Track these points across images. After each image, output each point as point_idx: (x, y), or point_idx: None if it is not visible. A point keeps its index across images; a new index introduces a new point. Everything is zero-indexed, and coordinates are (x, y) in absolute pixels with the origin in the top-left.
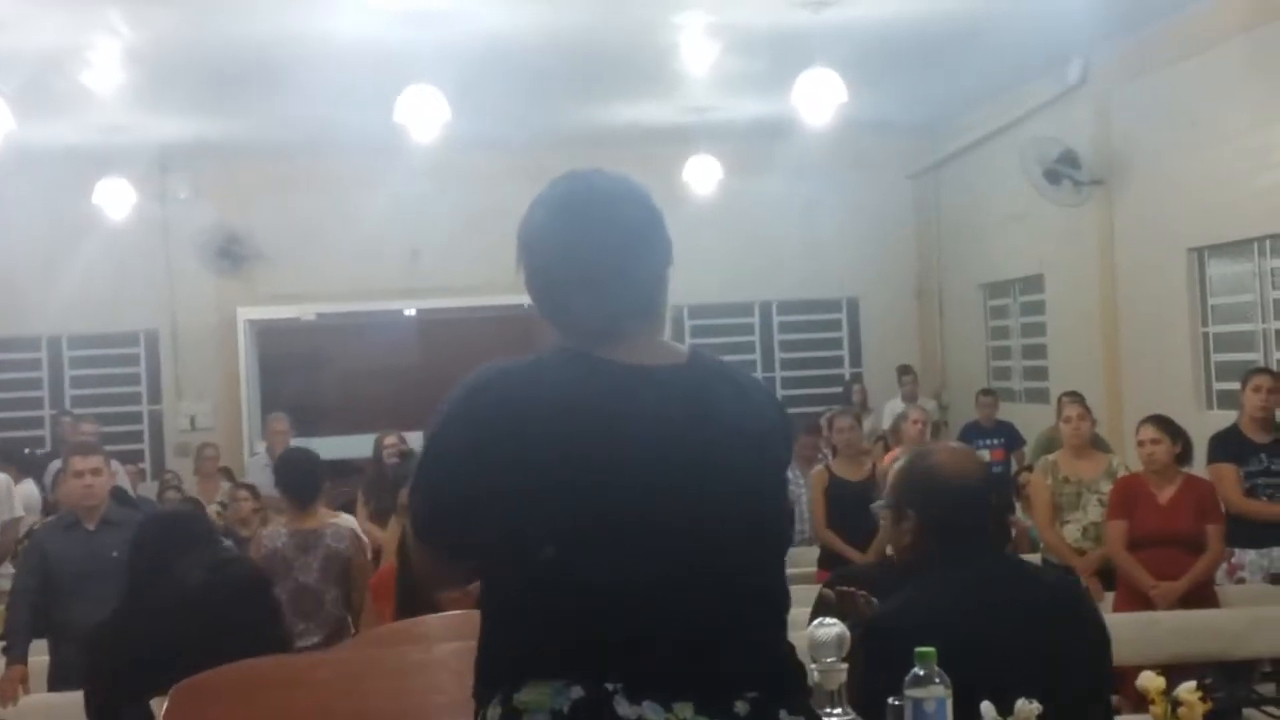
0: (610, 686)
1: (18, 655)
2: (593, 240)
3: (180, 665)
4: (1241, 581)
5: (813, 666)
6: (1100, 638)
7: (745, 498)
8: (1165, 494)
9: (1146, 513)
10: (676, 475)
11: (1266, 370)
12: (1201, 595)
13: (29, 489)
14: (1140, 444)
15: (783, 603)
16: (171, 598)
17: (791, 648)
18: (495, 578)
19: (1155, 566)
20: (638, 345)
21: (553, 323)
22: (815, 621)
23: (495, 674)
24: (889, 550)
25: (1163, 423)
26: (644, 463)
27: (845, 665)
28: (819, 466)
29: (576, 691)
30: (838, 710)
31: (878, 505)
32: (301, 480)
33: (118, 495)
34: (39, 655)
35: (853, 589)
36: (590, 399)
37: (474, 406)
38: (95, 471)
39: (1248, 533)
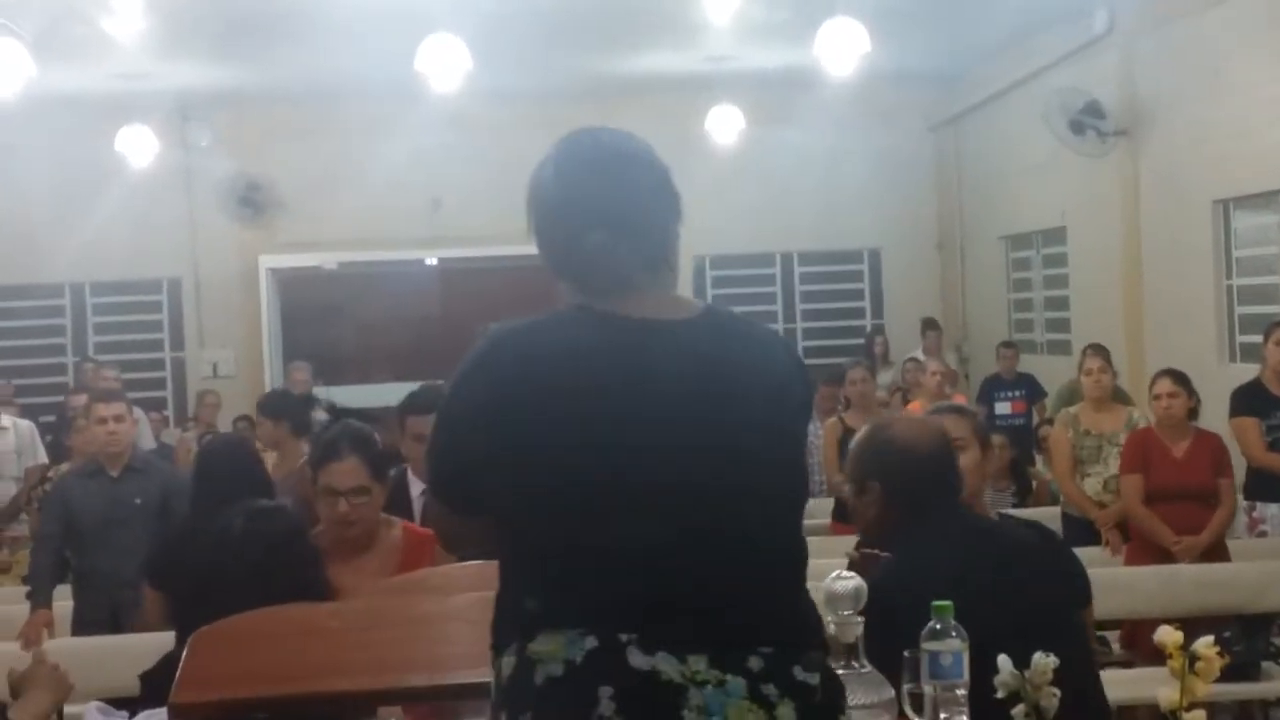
0: (624, 637)
1: (42, 601)
2: (598, 194)
3: (219, 610)
4: (1263, 535)
5: (829, 620)
6: (1076, 577)
7: (760, 452)
8: (1180, 448)
9: (1162, 467)
10: (689, 430)
11: None
12: (1216, 549)
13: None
14: (1157, 397)
15: (799, 559)
16: (212, 545)
17: (810, 604)
18: (512, 531)
19: (1171, 520)
20: (648, 299)
21: (563, 278)
22: (832, 574)
23: (511, 624)
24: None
25: (1178, 376)
26: (657, 417)
27: (861, 618)
28: (832, 419)
29: (590, 642)
30: (855, 664)
31: (840, 481)
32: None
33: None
34: (62, 600)
35: (875, 551)
36: (601, 355)
37: (487, 365)
38: (118, 418)
39: (1270, 486)
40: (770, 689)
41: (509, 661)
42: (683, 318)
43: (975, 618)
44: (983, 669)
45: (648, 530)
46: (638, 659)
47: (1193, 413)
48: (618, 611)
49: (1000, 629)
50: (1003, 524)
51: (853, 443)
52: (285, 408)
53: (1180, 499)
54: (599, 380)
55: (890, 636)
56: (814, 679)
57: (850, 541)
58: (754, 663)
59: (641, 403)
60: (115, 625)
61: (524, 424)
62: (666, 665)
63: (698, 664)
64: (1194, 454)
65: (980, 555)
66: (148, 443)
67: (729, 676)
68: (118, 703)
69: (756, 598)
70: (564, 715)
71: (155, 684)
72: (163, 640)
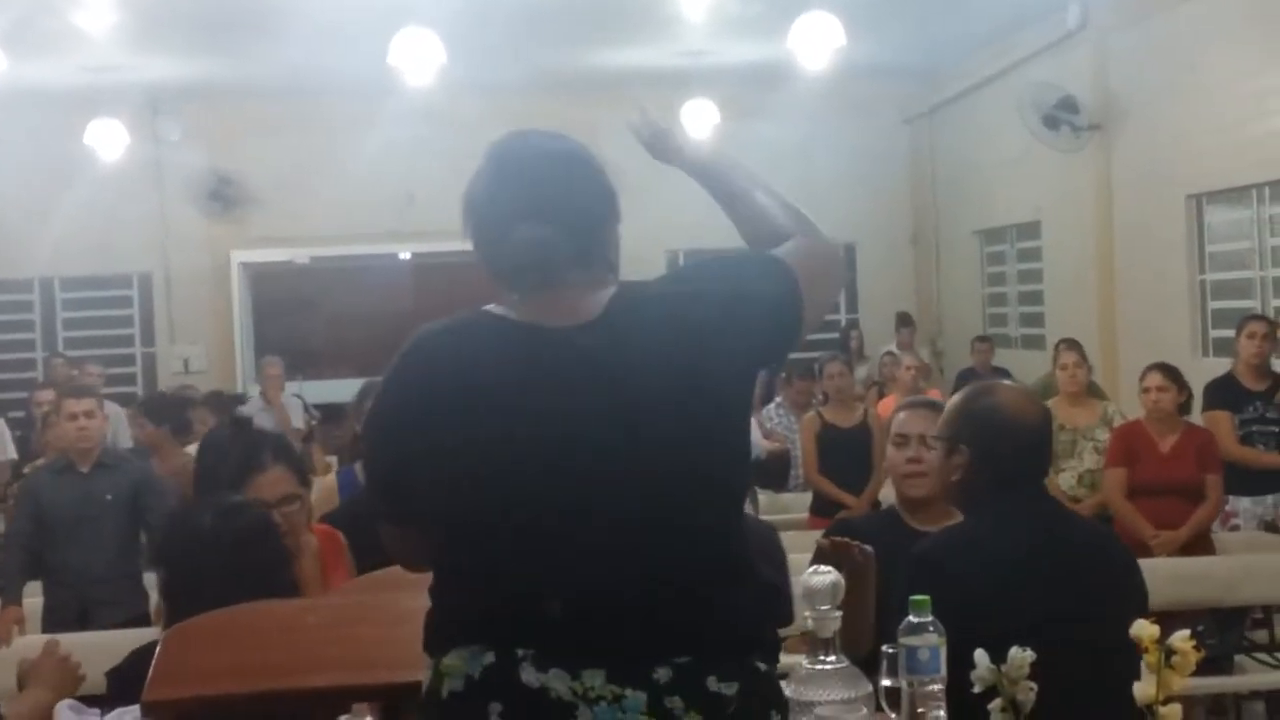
0: (520, 653)
1: (12, 597)
2: (527, 189)
3: (187, 608)
4: (1236, 529)
5: (806, 614)
6: (1137, 585)
7: (668, 452)
8: (1167, 442)
9: (1148, 461)
10: (583, 443)
11: (1262, 317)
12: (1200, 544)
13: None
14: (1146, 390)
15: (726, 559)
16: (180, 541)
17: (748, 604)
18: (432, 543)
19: (1154, 515)
20: (564, 300)
21: (494, 280)
22: (810, 569)
23: (429, 639)
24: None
25: (1169, 370)
26: (548, 431)
27: (839, 613)
28: (811, 413)
29: (489, 657)
30: (831, 658)
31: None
32: None
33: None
34: (33, 597)
35: (847, 539)
36: (495, 365)
37: (401, 368)
38: (89, 414)
39: (1241, 480)
40: (675, 702)
41: (427, 675)
42: (584, 321)
43: (1034, 602)
44: (1038, 657)
45: (539, 544)
46: (529, 675)
47: (1184, 407)
48: (514, 627)
49: (1056, 618)
50: (1082, 518)
51: (950, 401)
52: (166, 410)
53: (1165, 493)
54: (489, 392)
55: (941, 604)
56: (730, 689)
57: None
58: (661, 674)
59: (530, 414)
60: (85, 622)
61: (426, 433)
62: (558, 682)
63: (593, 679)
64: (1181, 449)
65: (1049, 538)
66: (125, 440)
67: (627, 691)
68: (89, 700)
69: (667, 606)
70: None
71: (122, 681)
72: (133, 637)
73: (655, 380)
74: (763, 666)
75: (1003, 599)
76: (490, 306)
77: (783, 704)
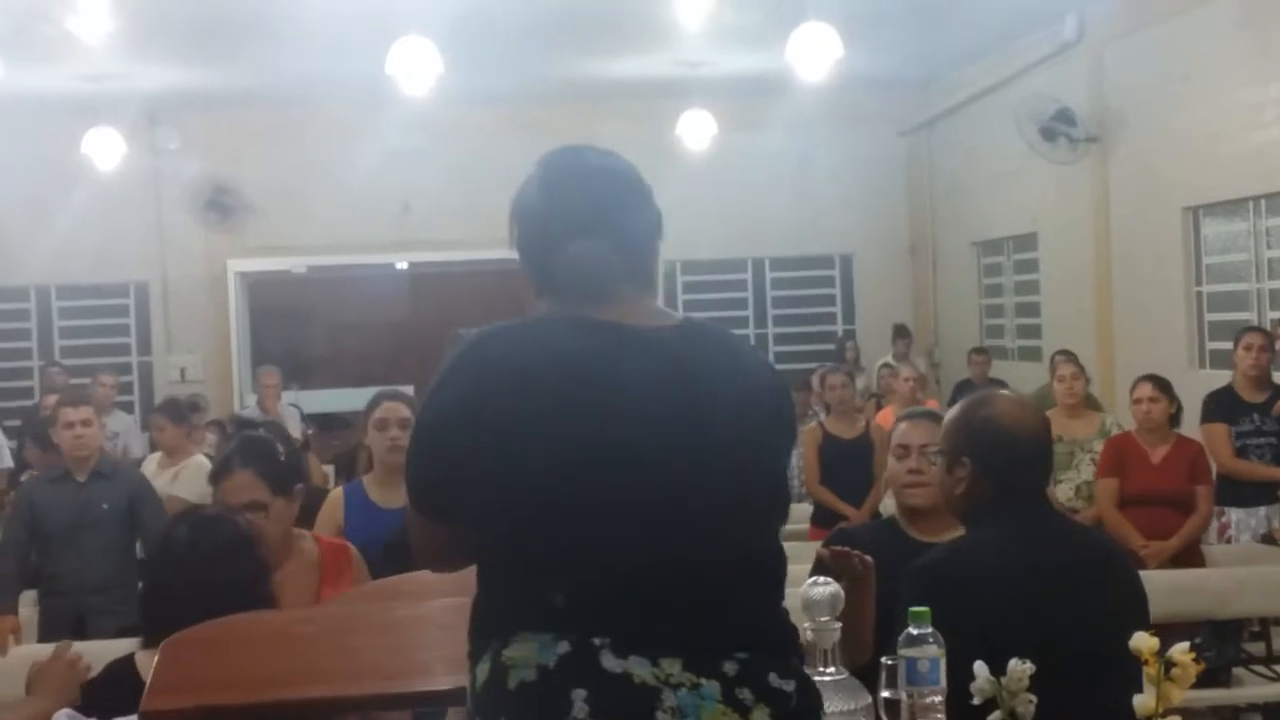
0: (598, 641)
1: (8, 606)
2: (584, 204)
3: (166, 622)
4: (1231, 540)
5: (806, 625)
6: (1140, 596)
7: (736, 460)
8: (1158, 453)
9: (1139, 472)
10: (668, 437)
11: (1258, 329)
12: (1189, 555)
13: None
14: (1137, 401)
15: (775, 568)
16: (156, 555)
17: (785, 612)
18: (489, 535)
19: (1145, 526)
20: (628, 309)
21: (544, 290)
22: (809, 580)
23: (487, 630)
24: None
25: (1160, 382)
26: (634, 421)
27: (839, 625)
28: (812, 423)
29: (563, 646)
30: (830, 669)
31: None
32: None
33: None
34: (28, 606)
35: (847, 549)
36: (580, 358)
37: (467, 367)
38: (86, 422)
39: (1237, 492)
40: (745, 694)
41: (484, 668)
42: (661, 325)
43: (1039, 615)
44: (1039, 669)
45: (621, 535)
46: (610, 661)
47: (1174, 419)
48: (591, 616)
49: (1060, 629)
50: (1085, 526)
51: (949, 413)
52: (184, 413)
53: (1155, 504)
54: (577, 383)
55: (947, 617)
56: (789, 686)
57: None
58: (729, 667)
59: (619, 407)
60: (81, 631)
61: (502, 426)
62: (640, 668)
63: (671, 667)
64: (1172, 460)
65: (1054, 549)
66: (136, 450)
67: (704, 680)
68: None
69: (732, 603)
70: (537, 718)
71: (97, 693)
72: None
73: (728, 394)
74: (806, 671)
75: (1008, 612)
76: (558, 310)
77: (821, 707)
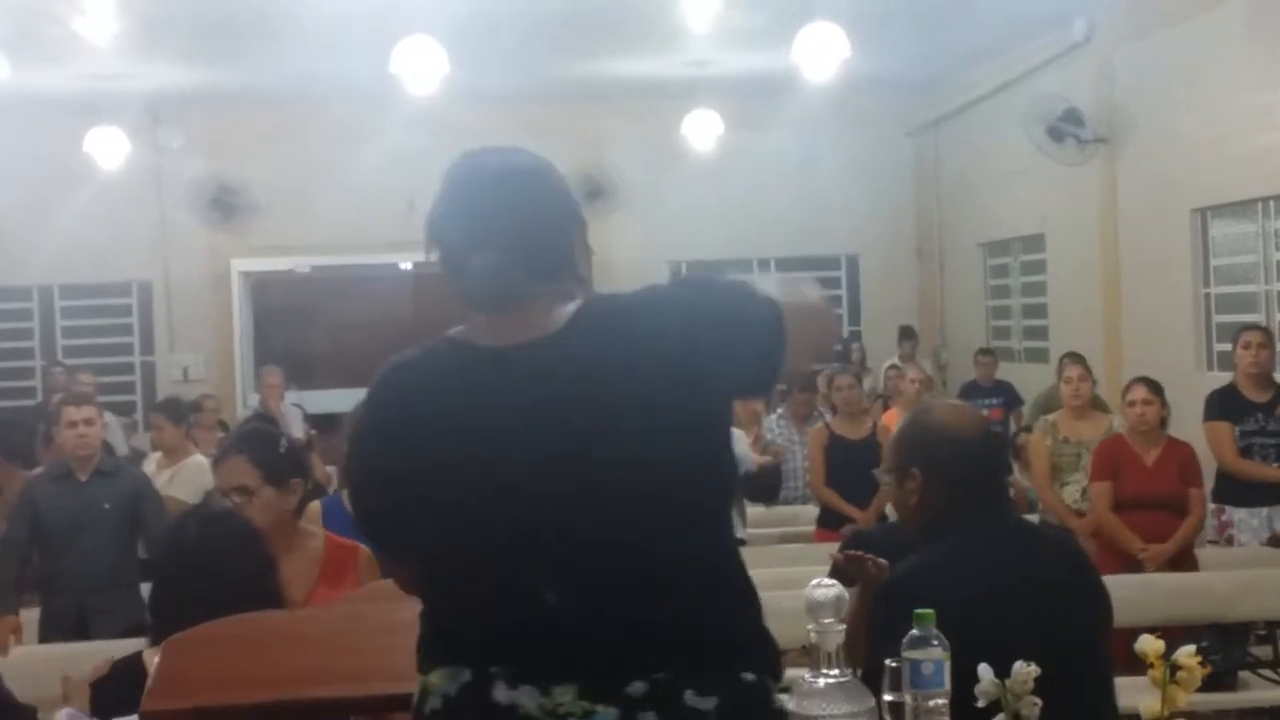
0: (494, 670)
1: (9, 606)
2: (481, 218)
3: (175, 620)
4: (1231, 539)
5: (809, 628)
6: (1104, 599)
7: (638, 464)
8: (1151, 456)
9: (1133, 475)
10: (545, 457)
11: (1257, 326)
12: (1183, 558)
13: None
14: (1131, 404)
15: (705, 568)
16: (164, 553)
17: (731, 617)
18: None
19: (1140, 528)
20: (531, 313)
21: (459, 300)
22: (814, 582)
23: (419, 657)
24: (888, 512)
25: (1152, 384)
26: (510, 449)
27: (843, 626)
28: (818, 424)
29: (465, 676)
30: (834, 671)
31: (879, 471)
32: None
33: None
34: (29, 607)
35: (861, 553)
36: (457, 392)
37: (371, 402)
38: (89, 421)
39: (1238, 491)
40: (649, 717)
41: (416, 690)
42: (545, 335)
43: (1000, 620)
44: (999, 673)
45: (508, 565)
46: (501, 693)
47: (1163, 422)
48: (488, 646)
49: (1022, 634)
50: (1046, 530)
51: (891, 435)
52: (184, 413)
53: (1150, 507)
54: (452, 419)
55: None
56: (707, 703)
57: (834, 548)
58: (637, 688)
59: (491, 438)
60: (83, 631)
61: (398, 465)
62: (528, 699)
63: (564, 695)
64: (1165, 462)
65: (1018, 557)
66: (121, 448)
67: (599, 707)
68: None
69: (639, 621)
70: None
71: (105, 692)
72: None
73: (617, 394)
74: (749, 678)
75: (976, 621)
76: (454, 330)
77: (773, 716)
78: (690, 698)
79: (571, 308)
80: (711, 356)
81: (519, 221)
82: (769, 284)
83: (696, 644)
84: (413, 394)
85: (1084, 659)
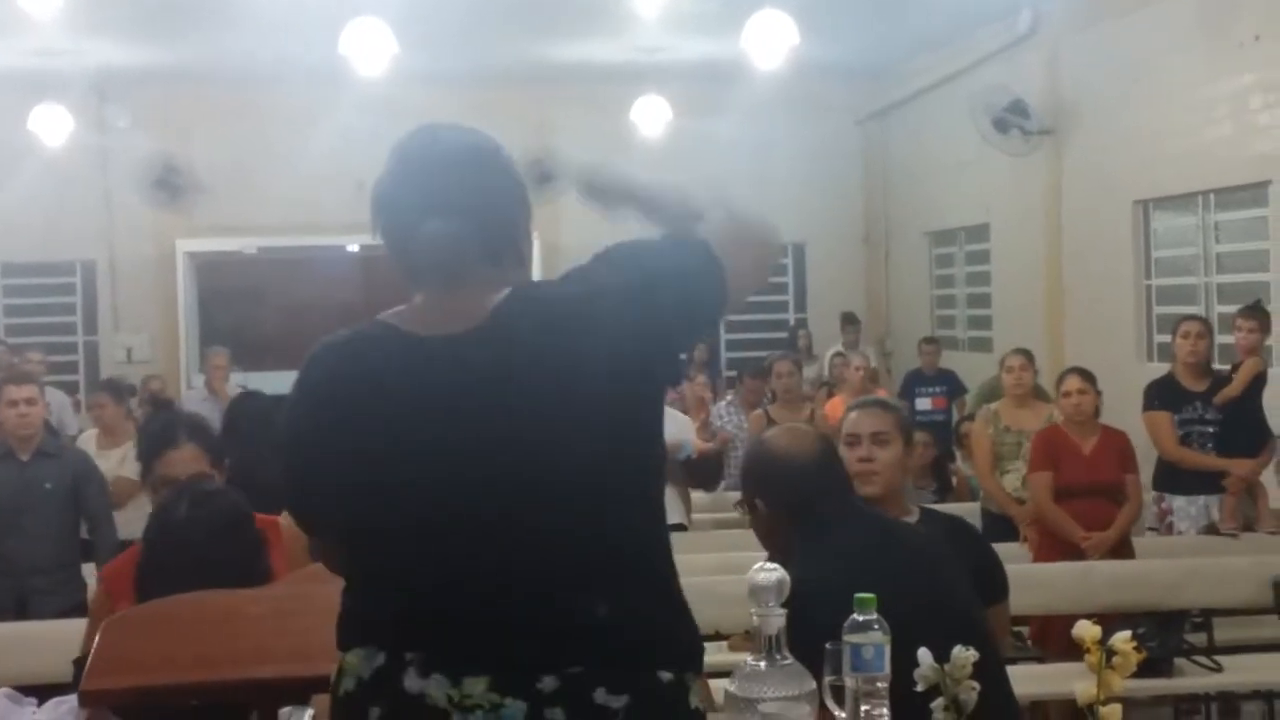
0: (408, 656)
1: None
2: (434, 185)
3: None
4: (1170, 526)
5: (752, 611)
6: (989, 565)
7: (549, 456)
8: (1088, 445)
9: (1071, 464)
10: (456, 449)
11: (1196, 317)
12: (1122, 544)
13: None
14: (1067, 394)
15: (631, 563)
16: (155, 531)
17: (654, 613)
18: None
19: (1080, 516)
20: (469, 299)
21: (403, 278)
22: (756, 566)
23: (338, 636)
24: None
25: (1086, 374)
26: (427, 440)
27: (784, 611)
28: (758, 411)
29: (380, 659)
30: (777, 655)
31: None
32: None
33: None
34: None
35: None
36: (379, 379)
37: (300, 384)
38: (30, 401)
39: (1178, 479)
40: (556, 713)
41: (334, 672)
42: (469, 327)
43: (886, 588)
44: (894, 666)
45: (426, 554)
46: (411, 681)
47: (1096, 410)
48: (403, 632)
49: (905, 625)
50: (898, 520)
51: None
52: (125, 391)
53: (1089, 495)
54: (374, 404)
55: (802, 635)
56: (617, 701)
57: None
58: (547, 683)
59: (410, 426)
60: (23, 612)
61: (322, 445)
62: (436, 689)
63: (474, 687)
64: (1102, 450)
65: (879, 552)
66: (70, 427)
67: (507, 700)
68: (26, 690)
69: (552, 614)
70: None
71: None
72: (72, 628)
73: (536, 384)
74: (666, 676)
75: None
76: (386, 314)
77: (687, 716)
78: (601, 695)
79: (498, 297)
80: (634, 335)
81: (471, 193)
82: (711, 215)
83: (612, 640)
84: (339, 375)
85: (965, 637)
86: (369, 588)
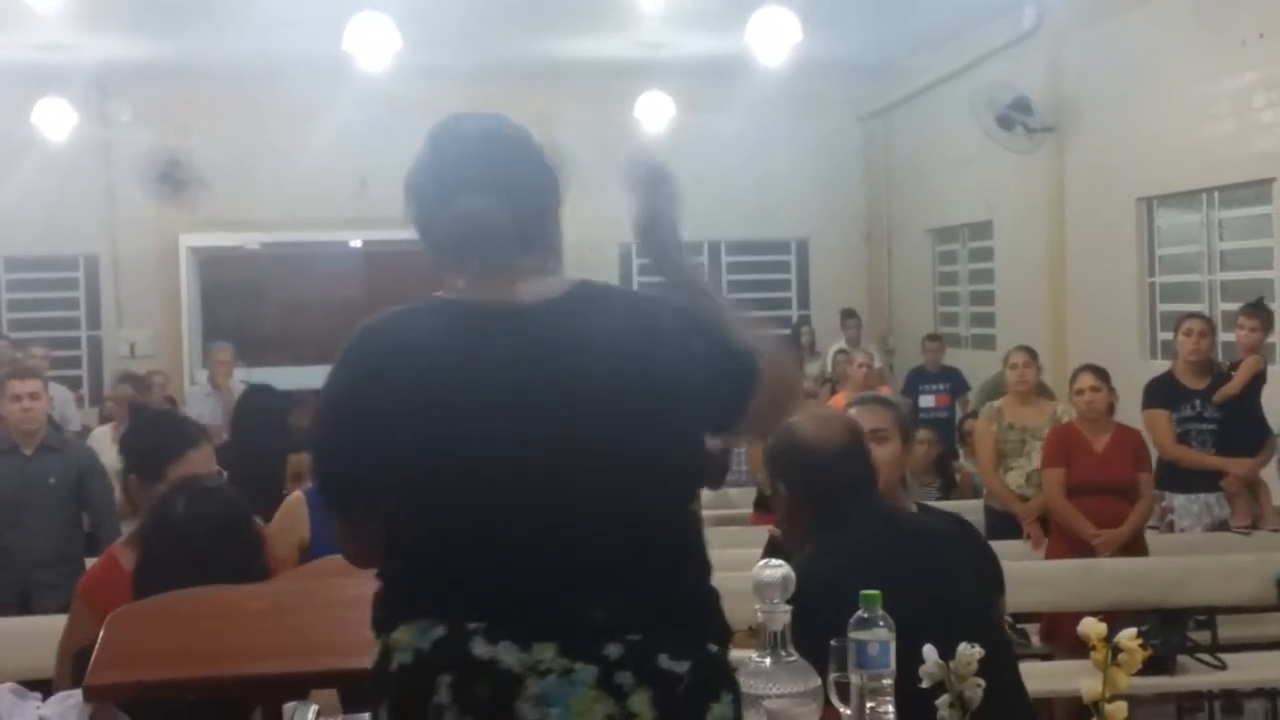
0: (472, 626)
1: None
2: (473, 166)
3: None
4: (1171, 524)
5: (757, 608)
6: (991, 560)
7: (623, 433)
8: (1101, 442)
9: (1083, 461)
10: (534, 418)
11: (1199, 315)
12: (1134, 543)
13: None
14: (1079, 392)
15: (677, 539)
16: (153, 528)
17: (695, 586)
18: (381, 526)
19: (1091, 514)
20: (515, 280)
21: (437, 264)
22: (761, 562)
23: (379, 616)
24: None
25: (1099, 371)
26: (499, 408)
27: (790, 608)
28: None
29: (439, 630)
30: (782, 652)
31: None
32: None
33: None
34: None
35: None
36: (447, 347)
37: (350, 361)
38: (34, 395)
39: (1179, 477)
40: (625, 677)
41: (375, 649)
42: (542, 300)
43: (893, 611)
44: (904, 661)
45: (490, 522)
46: (480, 648)
47: (1110, 408)
48: (466, 601)
49: (920, 621)
50: (917, 516)
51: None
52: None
53: (1101, 493)
54: (442, 373)
55: (809, 632)
56: (680, 667)
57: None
58: (612, 650)
59: (481, 392)
60: (26, 606)
61: (379, 418)
62: (507, 655)
63: (544, 652)
64: (1114, 448)
65: (895, 548)
66: (73, 422)
67: (578, 665)
68: (31, 684)
69: (619, 584)
70: (409, 702)
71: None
72: None
73: (610, 366)
74: (714, 649)
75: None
76: (440, 293)
77: (735, 686)
78: (664, 661)
79: (562, 281)
80: (692, 376)
81: (506, 176)
82: (747, 324)
83: (668, 610)
84: (397, 348)
85: (982, 632)
86: (422, 560)
